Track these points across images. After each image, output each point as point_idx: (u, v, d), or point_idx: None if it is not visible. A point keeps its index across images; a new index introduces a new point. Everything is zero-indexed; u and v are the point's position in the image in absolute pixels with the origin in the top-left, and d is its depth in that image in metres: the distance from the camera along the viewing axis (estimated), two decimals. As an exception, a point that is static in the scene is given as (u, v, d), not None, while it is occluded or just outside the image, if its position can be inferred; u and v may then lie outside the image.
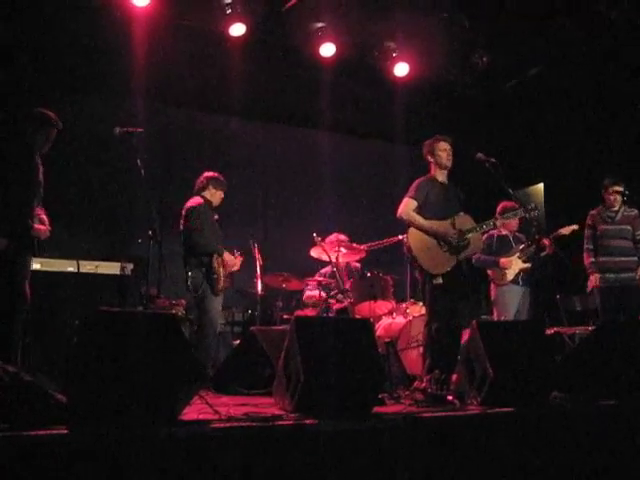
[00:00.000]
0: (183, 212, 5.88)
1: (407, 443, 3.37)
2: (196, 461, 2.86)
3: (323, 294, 6.88)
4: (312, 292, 7.24)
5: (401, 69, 8.48)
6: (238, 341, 6.16)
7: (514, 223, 6.60)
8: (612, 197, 6.39)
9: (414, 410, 3.93)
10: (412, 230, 5.11)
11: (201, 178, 6.02)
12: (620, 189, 6.35)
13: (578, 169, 8.17)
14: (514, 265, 6.49)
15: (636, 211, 6.45)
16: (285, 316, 7.11)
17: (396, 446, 3.33)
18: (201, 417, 3.25)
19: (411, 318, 6.59)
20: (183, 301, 6.69)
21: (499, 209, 6.39)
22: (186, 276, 5.74)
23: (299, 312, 7.11)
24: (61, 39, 7.09)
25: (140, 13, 7.08)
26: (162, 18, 7.29)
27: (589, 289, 6.45)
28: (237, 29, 7.59)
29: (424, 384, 4.72)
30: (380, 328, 6.70)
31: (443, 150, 5.27)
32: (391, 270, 7.14)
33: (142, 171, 5.32)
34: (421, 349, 6.00)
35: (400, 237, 6.60)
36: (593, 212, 6.54)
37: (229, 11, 7.43)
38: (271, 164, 9.08)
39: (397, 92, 8.72)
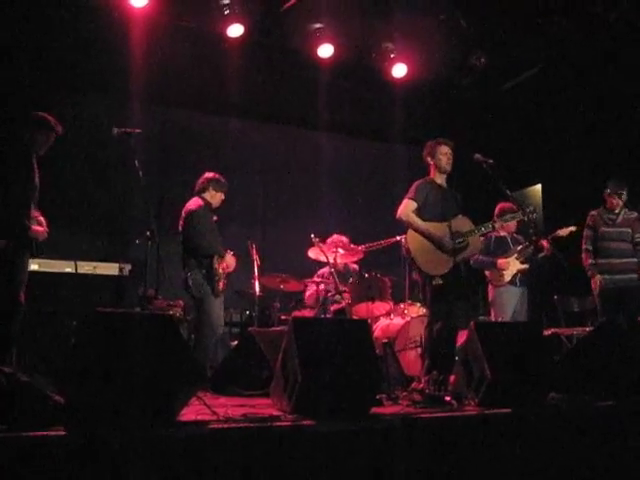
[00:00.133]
0: (183, 214, 5.86)
1: (405, 444, 3.37)
2: (194, 462, 2.86)
3: (321, 295, 6.88)
4: (311, 292, 7.26)
5: (399, 70, 8.49)
6: (236, 342, 6.15)
7: (512, 225, 6.61)
8: (615, 201, 6.38)
9: (412, 411, 3.93)
10: (411, 232, 5.12)
11: (202, 179, 5.99)
12: (624, 194, 6.35)
13: (576, 170, 8.17)
14: (512, 266, 6.49)
15: (636, 214, 6.45)
16: (283, 317, 7.11)
17: (394, 447, 3.33)
18: (199, 418, 3.24)
19: (409, 319, 6.60)
20: (181, 302, 6.68)
21: (497, 210, 6.39)
22: (185, 277, 5.73)
23: (297, 313, 7.11)
24: (59, 39, 7.10)
25: (138, 14, 7.09)
26: (160, 19, 7.31)
27: (595, 291, 6.43)
28: (235, 30, 7.60)
29: (422, 385, 4.73)
30: (378, 329, 6.70)
31: (444, 154, 5.27)
32: (389, 271, 7.15)
33: (140, 172, 5.32)
34: (419, 350, 6.03)
35: (398, 238, 6.61)
36: (594, 213, 6.53)
37: (227, 12, 7.44)
38: (269, 165, 9.08)
39: (395, 93, 8.74)
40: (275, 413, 3.54)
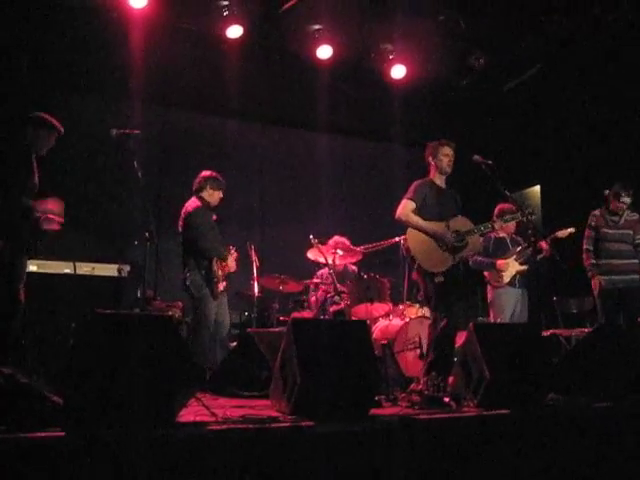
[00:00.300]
0: (182, 215, 5.86)
1: (404, 445, 3.37)
2: (193, 463, 2.86)
3: (320, 296, 6.88)
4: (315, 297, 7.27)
5: (398, 71, 8.51)
6: (235, 343, 6.15)
7: (511, 226, 6.60)
8: (620, 204, 6.36)
9: (410, 412, 3.93)
10: (411, 231, 5.12)
11: (198, 178, 5.97)
12: (630, 198, 6.33)
13: (575, 172, 8.18)
14: (511, 267, 6.49)
15: (637, 215, 6.44)
16: (282, 318, 7.11)
17: (392, 448, 3.33)
18: (198, 419, 3.25)
19: (408, 320, 6.59)
20: (180, 303, 6.68)
21: (496, 211, 6.39)
22: (184, 277, 5.73)
23: (296, 314, 7.11)
24: (59, 40, 7.10)
25: (138, 15, 7.10)
26: (159, 20, 7.31)
27: (595, 291, 6.41)
28: (234, 31, 7.61)
29: (420, 386, 4.72)
30: (377, 330, 6.70)
31: (445, 155, 5.26)
32: (388, 272, 7.15)
33: (139, 173, 5.32)
34: (417, 351, 6.02)
35: (397, 239, 6.62)
36: (596, 213, 6.50)
37: (226, 13, 7.45)
38: (268, 166, 9.08)
39: (394, 94, 8.74)
40: (274, 414, 3.54)
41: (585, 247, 6.46)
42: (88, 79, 7.54)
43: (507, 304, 6.50)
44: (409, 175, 6.20)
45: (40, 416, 2.82)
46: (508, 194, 5.38)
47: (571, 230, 6.45)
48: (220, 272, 5.71)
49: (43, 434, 2.67)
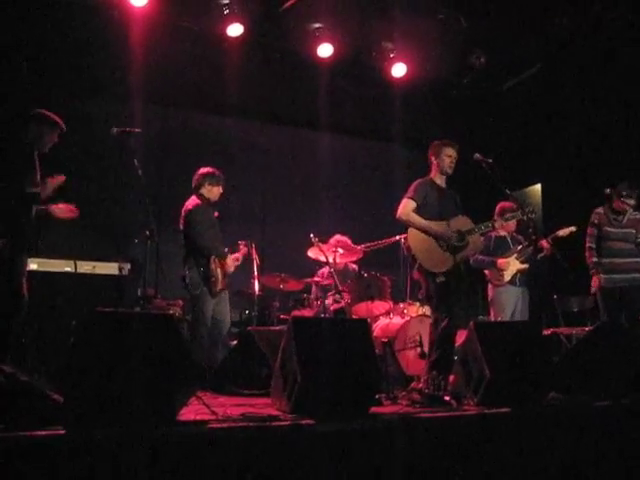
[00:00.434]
0: (182, 213, 5.87)
1: (404, 443, 3.37)
2: (193, 461, 2.86)
3: (321, 295, 6.89)
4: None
5: (398, 69, 8.50)
6: (235, 341, 6.15)
7: (512, 224, 6.60)
8: (624, 206, 6.33)
9: (411, 410, 3.94)
10: (412, 230, 5.11)
11: (196, 176, 5.97)
12: (635, 198, 6.30)
13: (575, 170, 8.18)
14: (512, 266, 6.49)
15: None
16: (282, 316, 7.11)
17: (393, 446, 3.33)
18: (198, 417, 3.25)
19: (408, 318, 6.59)
20: (180, 301, 6.68)
21: (498, 209, 6.39)
22: (184, 275, 5.75)
23: (296, 312, 7.11)
24: (59, 39, 7.09)
25: (138, 13, 7.09)
26: (160, 18, 7.31)
27: (593, 289, 6.40)
28: (235, 29, 7.60)
29: (421, 384, 4.73)
30: (377, 328, 6.70)
31: (448, 156, 5.25)
32: (388, 271, 7.14)
33: (139, 171, 5.32)
34: (418, 349, 6.03)
35: (397, 237, 6.61)
36: (600, 211, 6.45)
37: (226, 11, 7.45)
38: (269, 164, 9.07)
39: (394, 92, 8.73)
40: (274, 413, 3.55)
41: (587, 245, 6.42)
42: (88, 78, 7.54)
43: (508, 303, 6.50)
44: (409, 174, 6.20)
45: (41, 414, 2.82)
46: (508, 192, 5.38)
47: (572, 229, 6.44)
48: (219, 270, 5.71)
49: (43, 432, 2.67)
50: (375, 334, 6.41)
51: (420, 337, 6.06)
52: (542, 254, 6.28)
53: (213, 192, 5.96)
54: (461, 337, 4.92)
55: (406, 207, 5.12)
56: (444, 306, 4.97)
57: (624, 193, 6.29)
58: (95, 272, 6.06)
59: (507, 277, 6.48)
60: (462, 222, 5.18)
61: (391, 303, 6.89)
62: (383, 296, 6.75)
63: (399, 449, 3.34)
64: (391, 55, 8.35)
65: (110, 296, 5.98)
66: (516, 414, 3.84)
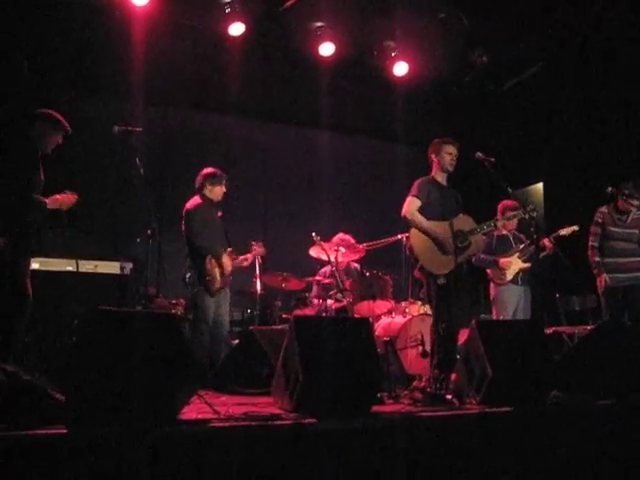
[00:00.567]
0: (183, 213, 5.89)
1: (406, 442, 3.37)
2: (195, 460, 2.86)
3: (322, 294, 6.89)
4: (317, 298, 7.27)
5: (400, 68, 8.49)
6: (237, 340, 6.16)
7: (513, 223, 6.60)
8: (628, 205, 6.31)
9: (413, 409, 3.93)
10: (414, 231, 5.10)
11: (199, 177, 6.01)
12: (638, 202, 6.28)
13: (577, 169, 8.17)
14: (514, 265, 6.48)
15: None
16: (284, 315, 7.11)
17: (395, 445, 3.33)
18: (200, 416, 3.25)
19: (410, 317, 6.59)
20: (182, 300, 6.69)
21: (500, 208, 6.39)
22: (184, 274, 5.78)
23: (298, 311, 7.11)
24: (60, 38, 7.10)
25: (140, 12, 7.09)
26: (161, 17, 7.31)
27: (601, 289, 6.37)
28: (236, 28, 7.60)
29: (423, 383, 4.73)
30: (379, 327, 6.70)
31: (448, 153, 5.25)
32: (390, 269, 7.14)
33: (141, 170, 5.32)
34: (420, 348, 6.02)
35: (399, 236, 6.61)
36: (604, 210, 6.40)
37: (228, 10, 7.45)
38: (270, 163, 9.08)
39: (396, 91, 8.73)
40: (276, 411, 3.55)
41: (591, 244, 6.40)
42: (90, 77, 7.55)
43: (510, 301, 6.49)
44: (411, 173, 6.18)
45: (42, 413, 2.83)
46: (510, 191, 5.37)
47: (574, 228, 6.42)
48: (217, 269, 5.75)
49: (45, 431, 2.67)
50: (377, 333, 6.41)
51: (422, 336, 6.05)
52: (544, 253, 6.26)
53: (214, 192, 5.99)
54: (463, 336, 4.92)
55: (411, 205, 5.11)
56: (444, 307, 4.97)
57: (628, 193, 6.26)
58: (97, 271, 6.07)
59: (509, 276, 6.48)
60: (464, 222, 5.17)
61: (393, 302, 6.89)
62: (385, 295, 6.75)
63: (401, 448, 3.34)
64: (393, 54, 8.35)
65: (112, 295, 5.99)
66: (518, 413, 3.84)
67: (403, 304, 6.95)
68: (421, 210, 5.11)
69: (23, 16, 6.88)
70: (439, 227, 5.08)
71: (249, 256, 6.13)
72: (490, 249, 6.54)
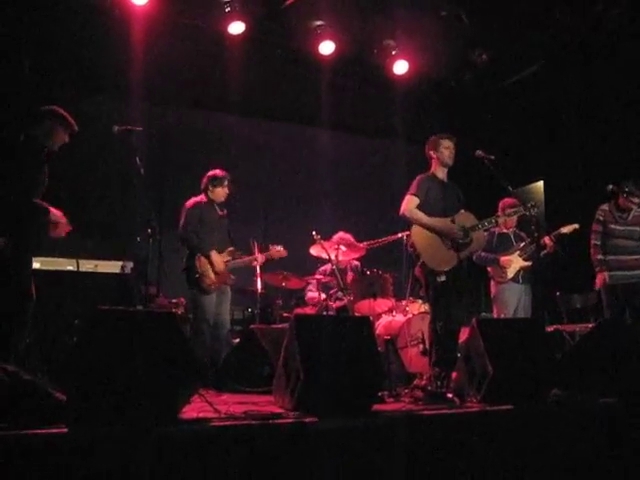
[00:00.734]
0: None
1: (407, 441, 3.37)
2: (196, 459, 2.86)
3: (322, 294, 6.88)
4: (314, 293, 7.27)
5: (400, 67, 8.49)
6: (238, 339, 6.16)
7: (514, 220, 6.60)
8: (629, 203, 6.30)
9: (413, 408, 3.94)
10: (415, 227, 5.10)
11: (204, 178, 6.13)
12: (639, 199, 6.27)
13: (578, 167, 8.16)
14: (514, 263, 6.48)
15: None
16: (285, 314, 7.12)
17: (396, 444, 3.33)
18: (201, 415, 3.25)
19: (410, 316, 6.59)
20: (183, 300, 6.70)
21: (501, 206, 6.39)
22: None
23: (299, 310, 7.11)
24: (60, 38, 7.09)
25: (139, 12, 7.09)
26: (161, 16, 7.30)
27: (597, 286, 6.38)
28: (236, 27, 7.60)
29: (424, 382, 4.73)
30: (380, 326, 6.70)
31: (446, 148, 5.26)
32: (391, 268, 7.13)
33: (141, 169, 5.32)
34: (420, 347, 6.02)
35: (400, 235, 6.61)
36: (605, 208, 6.41)
37: (228, 9, 7.45)
38: (271, 162, 9.06)
39: (396, 90, 8.73)
40: (277, 410, 3.55)
41: (593, 242, 6.38)
42: (90, 76, 7.54)
43: (511, 300, 6.50)
44: (411, 171, 6.17)
45: (43, 413, 2.83)
46: (510, 189, 5.37)
47: (575, 226, 6.42)
48: (209, 267, 5.81)
49: (46, 431, 2.67)
50: (377, 332, 6.40)
51: (422, 334, 6.05)
52: (545, 251, 6.26)
53: (216, 193, 6.08)
54: (464, 334, 4.92)
55: (409, 204, 5.11)
56: (442, 305, 4.97)
57: (629, 190, 6.26)
58: (97, 270, 6.07)
59: (510, 274, 6.48)
60: (465, 218, 5.17)
61: (393, 301, 6.89)
62: (385, 294, 6.74)
63: (401, 446, 3.35)
64: (393, 52, 8.35)
65: (112, 294, 5.99)
66: (519, 411, 3.84)
67: (404, 302, 6.95)
68: (422, 208, 5.10)
69: (23, 16, 6.87)
70: (441, 222, 5.07)
71: (259, 256, 6.22)
72: (491, 247, 6.54)
